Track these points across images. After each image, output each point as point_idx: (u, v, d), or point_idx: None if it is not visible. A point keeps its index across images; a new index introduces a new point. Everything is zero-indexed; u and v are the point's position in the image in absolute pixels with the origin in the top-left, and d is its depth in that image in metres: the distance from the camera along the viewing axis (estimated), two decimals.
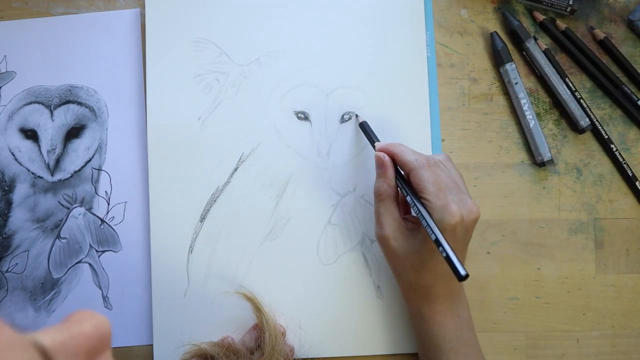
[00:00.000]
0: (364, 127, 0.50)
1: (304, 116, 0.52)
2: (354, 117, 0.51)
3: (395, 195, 0.45)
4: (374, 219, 0.46)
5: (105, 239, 0.51)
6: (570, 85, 0.53)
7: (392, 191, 0.45)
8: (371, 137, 0.49)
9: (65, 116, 0.52)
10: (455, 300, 0.45)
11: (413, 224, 0.45)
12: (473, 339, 0.45)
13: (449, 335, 0.44)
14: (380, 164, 0.45)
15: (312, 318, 0.50)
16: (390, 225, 0.44)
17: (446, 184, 0.42)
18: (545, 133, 0.53)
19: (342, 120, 0.52)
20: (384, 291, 0.50)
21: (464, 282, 0.38)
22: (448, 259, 0.38)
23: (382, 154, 0.45)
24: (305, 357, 0.50)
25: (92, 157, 0.52)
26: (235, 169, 0.51)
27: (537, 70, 0.53)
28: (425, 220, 0.40)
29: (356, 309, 0.50)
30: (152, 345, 0.50)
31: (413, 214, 0.46)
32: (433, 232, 0.39)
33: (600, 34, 0.53)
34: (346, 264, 0.50)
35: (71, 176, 0.52)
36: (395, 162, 0.45)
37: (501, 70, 0.53)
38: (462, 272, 0.37)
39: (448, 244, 0.39)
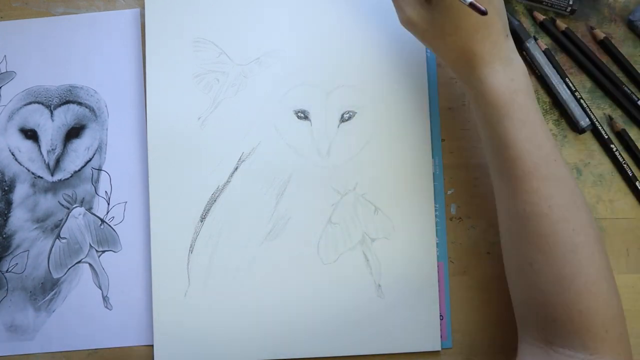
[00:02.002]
0: None
1: (303, 115, 0.52)
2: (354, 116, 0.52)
3: None
4: (394, 7, 0.45)
5: (105, 239, 0.51)
6: (570, 85, 0.53)
7: None
8: None
9: (65, 116, 0.52)
10: (505, 61, 0.42)
11: None
12: (532, 106, 0.42)
13: (501, 100, 0.41)
14: None
15: (312, 317, 0.50)
16: (408, 4, 0.44)
17: None
18: None
19: (342, 119, 0.52)
20: (384, 290, 0.50)
21: None
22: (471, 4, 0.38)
23: None
24: (306, 356, 0.50)
25: (92, 157, 0.52)
26: (236, 169, 0.51)
27: (537, 70, 0.53)
28: None
29: (357, 308, 0.50)
30: (152, 345, 0.50)
31: None
32: None
33: (600, 34, 0.53)
34: (347, 263, 0.50)
35: (71, 176, 0.52)
36: None
37: None
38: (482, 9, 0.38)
39: None
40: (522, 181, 0.41)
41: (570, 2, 0.52)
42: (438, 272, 0.51)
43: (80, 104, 0.53)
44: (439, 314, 0.50)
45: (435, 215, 0.51)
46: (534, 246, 0.41)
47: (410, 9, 0.44)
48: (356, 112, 0.52)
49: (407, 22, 0.45)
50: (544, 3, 0.53)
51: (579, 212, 0.41)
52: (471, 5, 0.38)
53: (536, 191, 0.40)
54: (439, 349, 0.50)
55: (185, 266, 0.50)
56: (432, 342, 0.50)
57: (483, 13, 0.37)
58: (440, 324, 0.51)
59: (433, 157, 0.52)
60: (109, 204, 0.52)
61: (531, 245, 0.41)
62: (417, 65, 0.52)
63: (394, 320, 0.50)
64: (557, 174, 0.41)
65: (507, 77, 0.41)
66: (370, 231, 0.51)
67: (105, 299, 0.51)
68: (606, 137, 0.53)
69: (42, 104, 0.52)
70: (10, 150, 0.52)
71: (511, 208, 0.42)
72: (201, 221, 0.50)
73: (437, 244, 0.51)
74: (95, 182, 0.52)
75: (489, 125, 0.42)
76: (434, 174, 0.52)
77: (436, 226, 0.51)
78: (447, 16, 0.41)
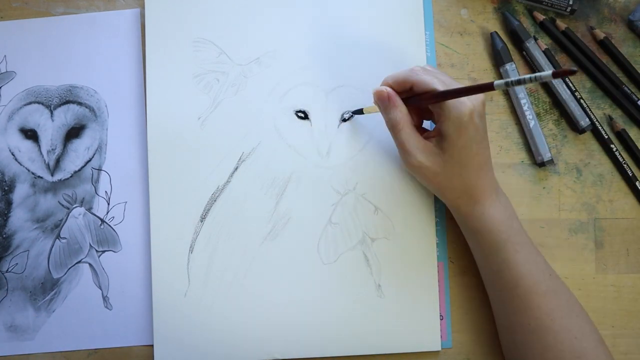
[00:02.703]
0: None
1: (303, 115, 0.52)
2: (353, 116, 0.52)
3: (410, 121, 0.45)
4: (398, 152, 0.46)
5: (105, 239, 0.51)
6: (570, 85, 0.53)
7: (407, 116, 0.45)
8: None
9: (65, 116, 0.52)
10: (498, 192, 0.46)
11: (433, 138, 0.46)
12: (521, 228, 0.46)
13: (502, 226, 0.45)
14: (384, 98, 0.45)
15: (312, 317, 0.50)
16: (418, 149, 0.45)
17: (446, 80, 0.44)
18: (545, 133, 0.53)
19: (342, 119, 0.52)
20: (384, 290, 0.50)
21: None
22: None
23: (382, 87, 0.45)
24: (306, 356, 0.50)
25: (92, 157, 0.52)
26: (236, 169, 0.51)
27: (537, 70, 0.53)
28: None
29: (357, 308, 0.50)
30: (152, 345, 0.50)
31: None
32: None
33: (600, 34, 0.53)
34: (347, 263, 0.50)
35: (71, 176, 0.52)
36: (394, 88, 0.46)
37: (501, 70, 0.53)
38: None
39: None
40: (524, 299, 0.44)
41: (570, 2, 0.52)
42: (438, 272, 0.51)
43: (80, 104, 0.53)
44: (439, 314, 0.50)
45: (435, 215, 0.51)
46: (541, 357, 0.44)
47: (421, 154, 0.45)
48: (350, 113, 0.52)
49: (417, 167, 0.45)
50: (544, 3, 0.53)
51: (578, 319, 0.45)
52: (555, 74, 0.33)
53: (538, 307, 0.44)
54: (439, 348, 0.50)
55: (185, 266, 0.50)
56: (432, 341, 0.50)
57: (572, 72, 0.33)
58: (440, 324, 0.51)
59: None
60: (109, 204, 0.52)
61: (538, 356, 0.44)
62: (416, 64, 0.52)
63: (394, 320, 0.50)
64: (555, 287, 0.45)
65: (502, 205, 0.46)
66: (370, 231, 0.51)
67: (105, 299, 0.51)
68: (606, 137, 0.53)
69: (42, 104, 0.52)
70: (10, 150, 0.52)
71: (515, 324, 0.46)
72: (201, 221, 0.50)
73: (437, 244, 0.51)
74: (95, 182, 0.52)
75: (490, 252, 0.46)
76: None
77: (436, 226, 0.51)
78: (458, 158, 0.44)
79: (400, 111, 0.45)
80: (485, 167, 0.45)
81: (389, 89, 0.45)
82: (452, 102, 0.42)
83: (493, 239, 0.45)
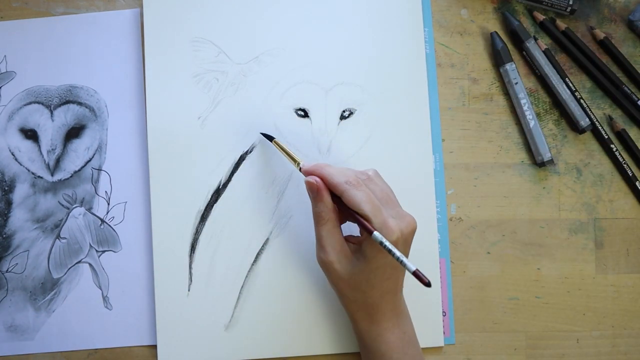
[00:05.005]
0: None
1: (303, 113, 0.52)
2: (351, 116, 0.51)
3: (336, 218, 0.44)
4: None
5: (105, 239, 0.51)
6: (570, 85, 0.53)
7: (332, 214, 0.44)
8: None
9: (65, 116, 0.52)
10: (400, 316, 0.45)
11: (355, 245, 0.45)
12: (418, 356, 0.45)
13: (396, 354, 0.44)
14: (313, 189, 0.44)
15: (314, 315, 0.50)
16: (334, 248, 0.43)
17: (380, 200, 0.43)
18: (545, 133, 0.53)
19: (342, 117, 0.52)
20: None
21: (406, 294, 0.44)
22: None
23: (313, 178, 0.44)
24: (308, 354, 0.50)
25: (92, 157, 0.52)
26: (236, 168, 0.51)
27: (537, 70, 0.53)
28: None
29: None
30: (152, 345, 0.50)
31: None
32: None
33: (600, 34, 0.53)
34: None
35: (71, 176, 0.52)
36: (325, 184, 0.44)
37: (501, 70, 0.53)
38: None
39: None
40: None
41: (570, 2, 0.52)
42: (440, 268, 0.51)
43: (80, 104, 0.53)
44: (441, 310, 0.50)
45: (437, 212, 0.51)
46: None
47: (334, 253, 0.43)
48: (356, 110, 0.52)
49: (326, 265, 0.44)
50: (544, 3, 0.53)
51: None
52: (415, 274, 0.38)
53: None
54: (442, 344, 0.50)
55: (187, 265, 0.50)
56: (434, 338, 0.50)
57: (427, 285, 0.38)
58: (443, 320, 0.51)
59: (433, 153, 0.52)
60: (109, 204, 0.52)
61: None
62: (416, 63, 0.52)
63: None
64: None
65: (401, 330, 0.45)
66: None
67: (105, 299, 0.51)
68: (606, 137, 0.53)
69: (42, 104, 0.52)
70: (10, 150, 0.52)
71: None
72: (202, 221, 0.50)
73: (438, 240, 0.51)
74: (95, 182, 0.52)
75: None
76: (434, 169, 0.52)
77: (437, 223, 0.51)
78: (367, 277, 0.43)
79: (326, 206, 0.43)
80: (394, 291, 0.44)
81: (319, 182, 0.43)
82: (378, 224, 0.41)
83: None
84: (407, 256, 0.44)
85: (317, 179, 0.43)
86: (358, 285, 0.43)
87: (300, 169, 0.46)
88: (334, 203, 0.44)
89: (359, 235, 0.47)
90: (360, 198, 0.41)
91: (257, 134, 0.51)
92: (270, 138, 0.49)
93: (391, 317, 0.44)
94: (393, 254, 0.39)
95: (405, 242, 0.42)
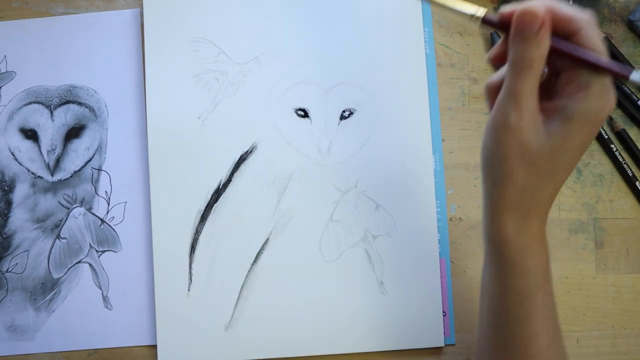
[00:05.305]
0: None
1: (303, 113, 0.52)
2: (355, 111, 0.51)
3: (540, 74, 0.33)
4: (496, 103, 0.34)
5: (105, 239, 0.51)
6: None
7: (542, 66, 0.32)
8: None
9: (65, 116, 0.52)
10: (545, 231, 0.36)
11: (547, 114, 0.33)
12: (551, 289, 0.37)
13: (541, 268, 0.35)
14: (534, 22, 0.31)
15: (315, 315, 0.50)
16: (530, 112, 0.32)
17: None
18: None
19: (342, 117, 0.52)
20: (387, 287, 0.50)
21: None
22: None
23: (538, 9, 0.31)
24: (309, 354, 0.50)
25: (92, 157, 0.52)
26: (236, 168, 0.51)
27: None
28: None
29: (359, 306, 0.50)
30: (152, 345, 0.50)
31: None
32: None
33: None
34: (349, 260, 0.50)
35: (71, 176, 0.52)
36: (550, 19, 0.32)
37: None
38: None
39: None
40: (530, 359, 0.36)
41: (570, 2, 0.52)
42: (440, 268, 0.51)
43: (80, 104, 0.53)
44: (441, 310, 0.50)
45: (437, 212, 0.51)
46: None
47: (529, 117, 0.33)
48: (356, 110, 0.52)
49: (510, 130, 0.33)
50: None
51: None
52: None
53: None
54: (442, 345, 0.50)
55: (187, 265, 0.50)
56: (435, 338, 0.50)
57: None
58: (443, 320, 0.51)
59: (433, 153, 0.52)
60: (109, 204, 0.52)
61: None
62: (415, 62, 0.52)
63: (396, 317, 0.50)
64: (562, 352, 0.37)
65: (546, 243, 0.36)
66: (372, 228, 0.51)
67: (105, 299, 0.51)
68: (606, 137, 0.53)
69: (42, 104, 0.52)
70: (10, 150, 0.52)
71: None
72: (203, 220, 0.50)
73: (438, 240, 0.51)
74: (95, 182, 0.52)
75: (515, 293, 0.35)
76: (434, 169, 0.52)
77: (437, 222, 0.51)
78: (557, 155, 0.33)
79: (543, 51, 0.32)
80: (557, 190, 0.35)
81: (546, 13, 0.31)
82: (602, 89, 0.32)
83: (526, 281, 0.35)
84: None
85: (544, 11, 0.31)
86: (540, 167, 0.33)
87: (483, 16, 0.33)
88: None
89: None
90: (598, 44, 0.32)
91: (258, 134, 0.51)
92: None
93: (544, 222, 0.35)
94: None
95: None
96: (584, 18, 0.32)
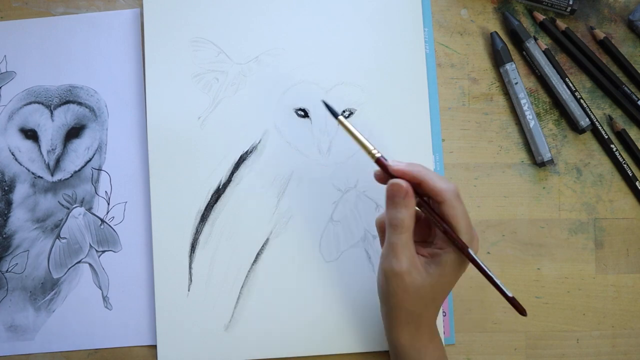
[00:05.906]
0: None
1: (304, 113, 0.52)
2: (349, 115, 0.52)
3: (412, 227, 0.41)
4: (383, 250, 0.42)
5: (105, 239, 0.51)
6: (570, 85, 0.53)
7: (413, 220, 0.40)
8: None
9: (65, 116, 0.52)
10: (436, 331, 0.45)
11: (425, 258, 0.42)
12: None
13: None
14: (401, 193, 0.40)
15: (315, 315, 0.50)
16: (408, 259, 0.40)
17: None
18: (545, 133, 0.53)
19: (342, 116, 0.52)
20: None
21: None
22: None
23: (399, 181, 0.40)
24: (308, 354, 0.50)
25: (92, 157, 0.52)
26: (236, 168, 0.51)
27: (537, 70, 0.53)
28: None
29: (359, 306, 0.50)
30: (152, 345, 0.50)
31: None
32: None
33: (600, 34, 0.53)
34: (349, 260, 0.50)
35: (71, 176, 0.52)
36: (421, 189, 0.41)
37: (501, 70, 0.53)
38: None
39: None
40: None
41: (570, 2, 0.52)
42: None
43: (80, 104, 0.53)
44: (441, 310, 0.50)
45: None
46: None
47: (407, 264, 0.40)
48: (356, 110, 0.52)
49: (395, 274, 0.40)
50: (544, 3, 0.53)
51: None
52: (512, 301, 0.41)
53: None
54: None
55: (187, 265, 0.50)
56: None
57: (523, 314, 0.41)
58: (443, 320, 0.51)
59: (433, 153, 0.52)
60: (109, 204, 0.52)
61: None
62: (415, 62, 0.52)
63: None
64: None
65: (439, 341, 0.45)
66: (372, 228, 0.51)
67: (105, 299, 0.51)
68: (606, 137, 0.53)
69: (42, 104, 0.52)
70: (10, 150, 0.52)
71: None
72: (202, 220, 0.50)
73: None
74: (95, 182, 0.52)
75: None
76: (434, 169, 0.52)
77: None
78: (435, 290, 0.41)
79: (410, 214, 0.40)
80: (439, 309, 0.45)
81: (408, 185, 0.40)
82: (468, 242, 0.40)
83: None
84: None
85: (403, 181, 0.40)
86: (423, 298, 0.41)
87: (377, 160, 0.42)
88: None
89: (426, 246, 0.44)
90: (460, 212, 0.40)
91: (258, 134, 0.51)
92: (335, 114, 0.44)
93: (435, 332, 0.44)
94: (490, 278, 0.40)
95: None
96: (449, 191, 0.40)
